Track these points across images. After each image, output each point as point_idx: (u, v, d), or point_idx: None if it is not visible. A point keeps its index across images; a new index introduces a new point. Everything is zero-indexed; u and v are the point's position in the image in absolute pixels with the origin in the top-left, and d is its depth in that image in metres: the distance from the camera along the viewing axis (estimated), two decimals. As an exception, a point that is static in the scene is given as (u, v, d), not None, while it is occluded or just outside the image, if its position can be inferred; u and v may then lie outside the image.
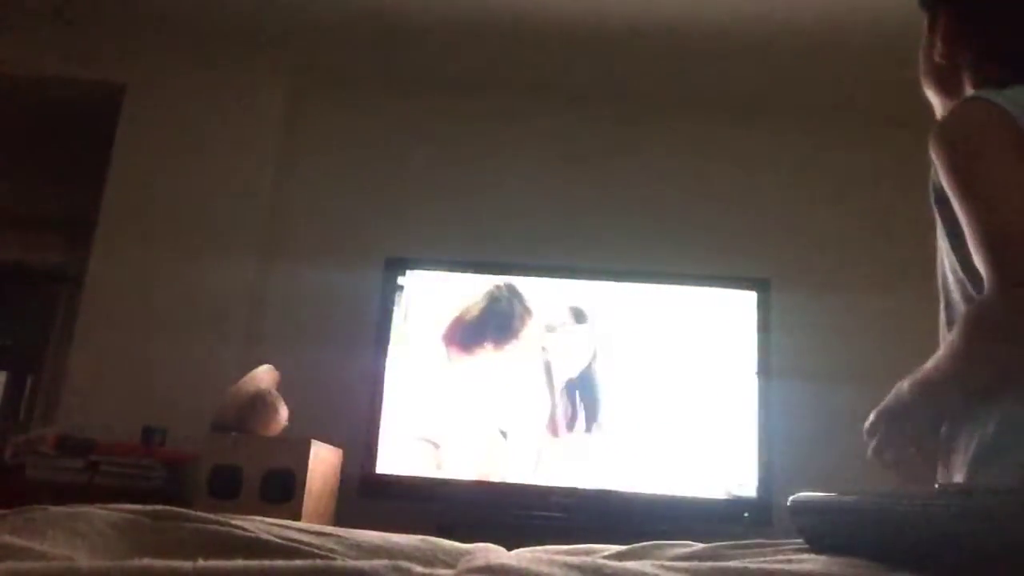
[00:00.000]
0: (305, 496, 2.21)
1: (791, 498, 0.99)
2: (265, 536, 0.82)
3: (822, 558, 0.83)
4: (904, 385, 1.08)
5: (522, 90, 3.11)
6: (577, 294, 2.67)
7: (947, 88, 1.21)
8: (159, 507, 0.86)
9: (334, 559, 0.76)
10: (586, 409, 2.58)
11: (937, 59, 1.19)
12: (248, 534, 0.82)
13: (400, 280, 2.67)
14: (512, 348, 2.63)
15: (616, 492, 2.49)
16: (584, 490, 2.50)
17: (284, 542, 0.81)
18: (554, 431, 2.57)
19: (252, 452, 2.25)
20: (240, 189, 2.91)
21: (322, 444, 2.34)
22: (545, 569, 0.66)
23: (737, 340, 2.61)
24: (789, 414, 2.61)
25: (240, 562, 0.58)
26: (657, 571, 0.72)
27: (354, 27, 2.84)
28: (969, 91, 1.13)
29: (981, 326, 0.95)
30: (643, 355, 2.61)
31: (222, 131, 2.95)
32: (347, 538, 0.91)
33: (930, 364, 1.04)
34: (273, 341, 2.78)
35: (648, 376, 2.59)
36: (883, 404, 1.12)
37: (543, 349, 2.62)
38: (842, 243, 2.98)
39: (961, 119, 1.04)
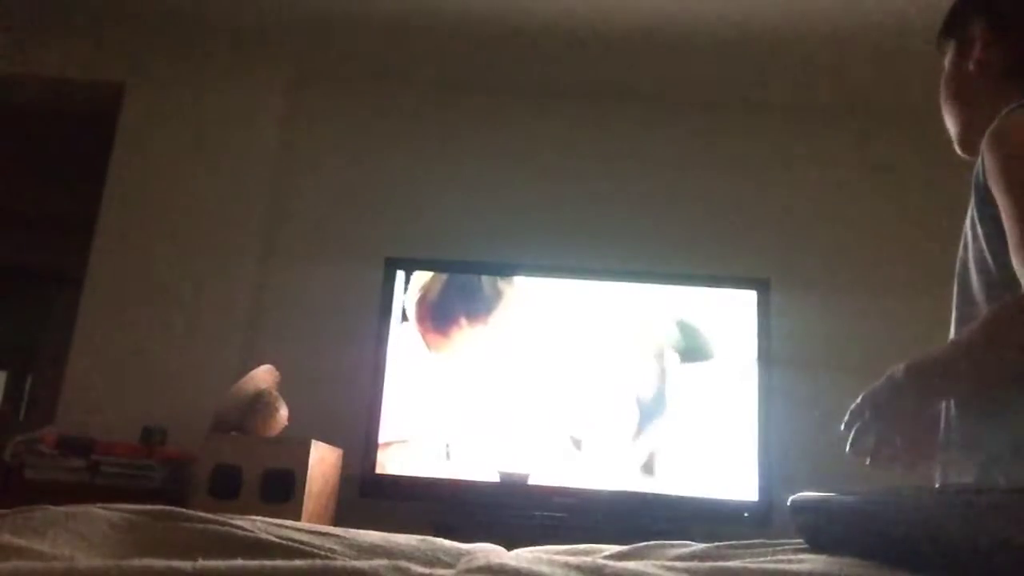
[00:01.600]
0: (305, 496, 2.21)
1: (791, 498, 0.99)
2: (265, 536, 0.82)
3: (822, 558, 0.83)
4: (900, 368, 1.07)
5: (522, 91, 3.11)
6: (580, 294, 2.67)
7: (973, 103, 1.23)
8: (159, 507, 0.86)
9: (334, 559, 0.76)
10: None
11: (971, 68, 1.21)
12: (248, 534, 0.82)
13: (400, 280, 2.67)
14: (493, 323, 2.61)
15: (616, 492, 2.49)
16: (584, 490, 2.50)
17: (284, 542, 0.81)
18: (635, 435, 2.56)
19: (252, 452, 2.25)
20: (240, 189, 2.91)
21: (322, 444, 2.34)
22: (545, 569, 0.66)
23: (737, 340, 2.61)
24: (789, 414, 2.61)
25: (240, 562, 0.58)
26: (657, 571, 0.72)
27: (354, 27, 2.84)
28: (999, 105, 1.14)
29: (1006, 326, 0.96)
30: (642, 355, 2.61)
31: (222, 131, 2.95)
32: (347, 538, 0.91)
33: (936, 353, 1.04)
34: (273, 341, 2.78)
35: (648, 376, 2.59)
36: (872, 387, 1.10)
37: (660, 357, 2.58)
38: (842, 243, 2.98)
39: (1016, 125, 1.05)
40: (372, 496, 2.50)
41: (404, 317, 2.64)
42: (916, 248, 2.90)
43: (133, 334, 2.71)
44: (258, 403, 2.36)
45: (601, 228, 2.99)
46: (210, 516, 0.85)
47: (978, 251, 1.07)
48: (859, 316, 2.86)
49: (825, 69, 2.88)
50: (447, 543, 0.98)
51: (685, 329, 2.61)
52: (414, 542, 0.96)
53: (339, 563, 0.62)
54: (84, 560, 0.67)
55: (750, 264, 2.85)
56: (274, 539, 0.81)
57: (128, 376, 2.66)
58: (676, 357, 2.59)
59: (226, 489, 2.20)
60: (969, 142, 1.25)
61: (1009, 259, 0.97)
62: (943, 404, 1.09)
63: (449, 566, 0.85)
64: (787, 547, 0.95)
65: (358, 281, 2.81)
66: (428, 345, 2.61)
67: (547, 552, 1.02)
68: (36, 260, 4.50)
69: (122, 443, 2.40)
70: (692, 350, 2.60)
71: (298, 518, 2.14)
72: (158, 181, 2.88)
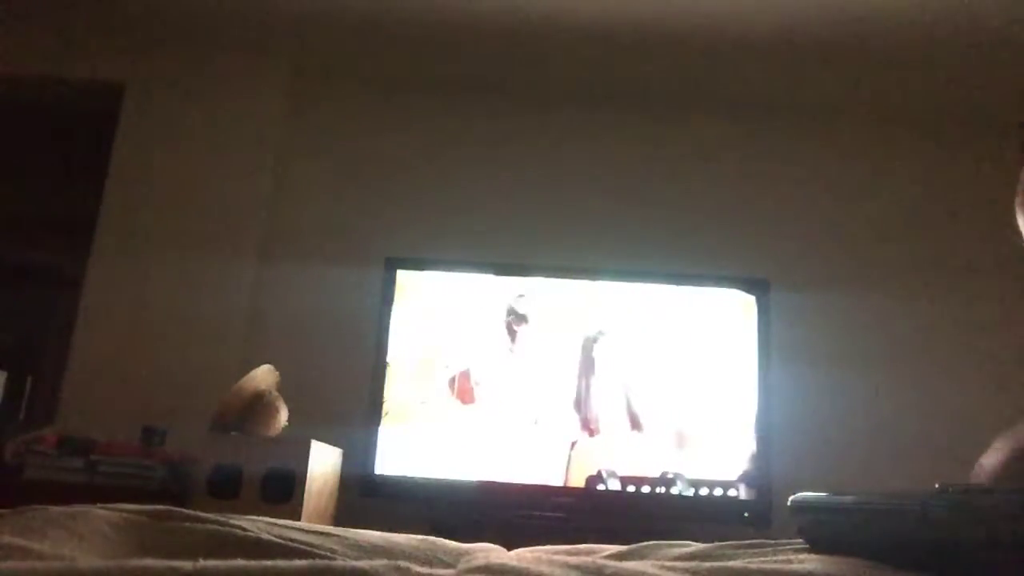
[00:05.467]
0: (305, 496, 2.21)
1: (791, 498, 0.99)
2: (265, 536, 0.82)
3: (822, 558, 0.83)
4: None
5: (522, 90, 3.12)
6: (577, 293, 2.67)
7: None
8: (159, 507, 0.86)
9: (334, 559, 0.76)
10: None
11: None
12: (248, 534, 0.81)
13: (400, 280, 2.67)
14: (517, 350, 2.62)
15: (616, 492, 2.49)
16: (584, 490, 2.50)
17: (284, 542, 0.81)
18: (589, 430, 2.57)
19: (252, 452, 2.25)
20: (240, 189, 2.91)
21: (322, 444, 2.34)
22: (545, 569, 0.66)
23: (736, 340, 2.61)
24: (788, 414, 2.61)
25: (240, 562, 0.58)
26: (657, 571, 0.72)
27: (354, 27, 2.84)
28: None
29: None
30: (642, 355, 2.61)
31: (222, 131, 2.95)
32: (347, 538, 0.91)
33: None
34: (273, 341, 2.78)
35: (647, 377, 2.59)
36: None
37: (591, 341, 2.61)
38: (842, 243, 2.99)
39: None
40: (372, 496, 2.50)
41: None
42: (916, 248, 2.90)
43: (133, 334, 2.71)
44: (258, 403, 2.36)
45: (601, 228, 2.99)
46: (210, 516, 0.85)
47: None
48: (859, 316, 2.86)
49: (827, 70, 2.88)
50: (447, 543, 0.98)
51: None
52: (414, 542, 0.96)
53: (339, 563, 0.62)
54: (84, 560, 0.67)
55: (749, 264, 2.85)
56: (274, 539, 0.81)
57: (128, 376, 2.66)
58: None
59: (226, 489, 2.20)
60: None
61: None
62: None
63: (449, 566, 0.85)
64: (787, 547, 0.95)
65: (358, 281, 2.81)
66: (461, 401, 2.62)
67: (547, 552, 1.02)
68: (36, 260, 4.50)
69: (122, 443, 2.40)
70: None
71: (298, 518, 2.14)
72: (158, 181, 2.89)
